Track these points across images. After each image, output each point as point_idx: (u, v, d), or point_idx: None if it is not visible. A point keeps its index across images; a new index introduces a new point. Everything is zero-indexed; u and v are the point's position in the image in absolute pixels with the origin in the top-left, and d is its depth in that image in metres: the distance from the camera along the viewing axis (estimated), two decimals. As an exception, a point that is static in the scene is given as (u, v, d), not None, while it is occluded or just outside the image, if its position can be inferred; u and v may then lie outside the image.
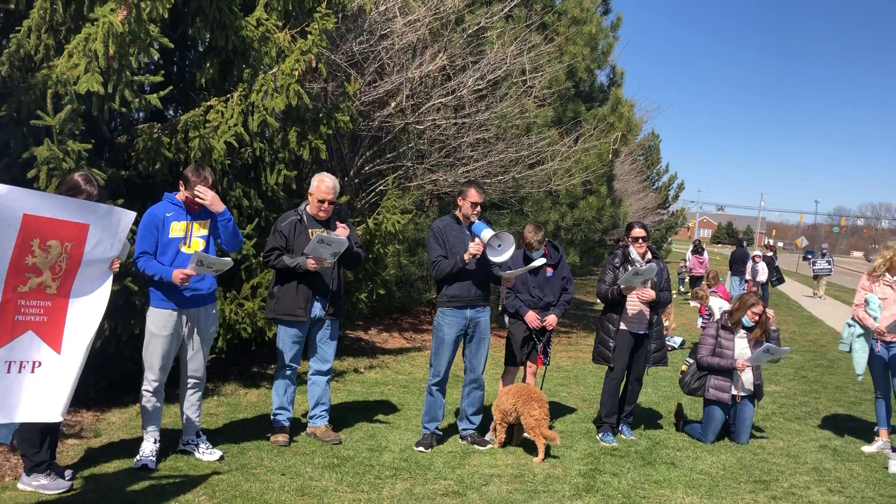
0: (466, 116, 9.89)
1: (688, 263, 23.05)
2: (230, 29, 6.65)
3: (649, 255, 6.43)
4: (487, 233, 5.53)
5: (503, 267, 5.79)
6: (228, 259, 4.94)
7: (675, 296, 22.77)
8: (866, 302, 6.49)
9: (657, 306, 6.41)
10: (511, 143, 10.29)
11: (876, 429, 6.63)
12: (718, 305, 11.09)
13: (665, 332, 12.28)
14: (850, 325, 6.65)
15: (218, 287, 6.79)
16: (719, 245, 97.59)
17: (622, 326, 6.32)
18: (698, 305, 14.18)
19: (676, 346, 12.12)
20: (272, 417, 5.69)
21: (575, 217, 12.50)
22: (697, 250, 22.70)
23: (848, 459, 6.13)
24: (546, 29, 11.36)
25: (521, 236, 6.38)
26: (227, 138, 6.49)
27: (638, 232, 6.39)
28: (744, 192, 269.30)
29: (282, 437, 5.54)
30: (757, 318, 6.52)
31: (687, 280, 23.29)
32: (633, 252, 6.39)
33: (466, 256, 5.58)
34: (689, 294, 13.12)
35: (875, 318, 6.38)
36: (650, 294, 6.24)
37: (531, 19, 10.97)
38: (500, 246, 5.55)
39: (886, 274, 6.49)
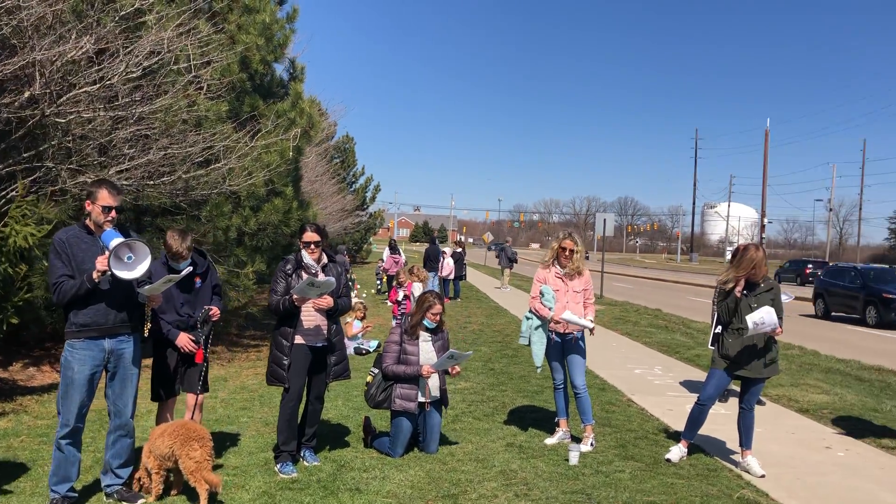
0: (121, 109, 8.53)
1: (384, 264, 23.26)
2: None
3: (325, 260, 5.81)
4: (115, 241, 4.48)
5: (141, 284, 4.78)
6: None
7: (374, 294, 22.88)
8: (541, 293, 6.53)
9: (336, 314, 5.82)
10: (177, 139, 9.11)
11: (556, 419, 6.73)
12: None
13: (360, 332, 12.09)
14: (528, 318, 6.64)
15: None
16: (417, 243, 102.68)
17: (298, 340, 5.63)
18: (392, 305, 14.15)
19: (372, 350, 11.82)
20: None
21: (260, 221, 11.58)
22: (393, 250, 23.00)
23: (533, 456, 6.08)
24: (213, 14, 10.33)
25: (165, 246, 5.39)
26: None
27: (310, 236, 5.68)
28: (437, 193, 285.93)
29: None
30: (437, 318, 6.25)
31: (384, 279, 23.51)
32: (307, 257, 5.71)
33: (94, 275, 4.49)
34: (400, 280, 13.33)
35: (550, 309, 6.44)
36: (327, 301, 5.61)
37: (197, 3, 9.87)
38: (130, 259, 4.53)
39: (557, 266, 6.59)
